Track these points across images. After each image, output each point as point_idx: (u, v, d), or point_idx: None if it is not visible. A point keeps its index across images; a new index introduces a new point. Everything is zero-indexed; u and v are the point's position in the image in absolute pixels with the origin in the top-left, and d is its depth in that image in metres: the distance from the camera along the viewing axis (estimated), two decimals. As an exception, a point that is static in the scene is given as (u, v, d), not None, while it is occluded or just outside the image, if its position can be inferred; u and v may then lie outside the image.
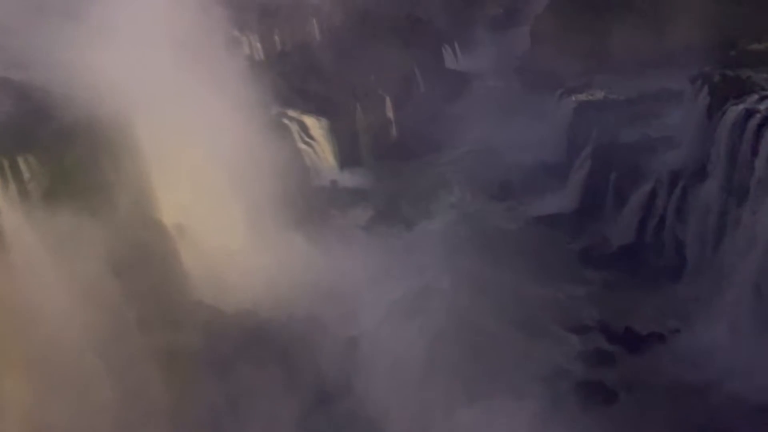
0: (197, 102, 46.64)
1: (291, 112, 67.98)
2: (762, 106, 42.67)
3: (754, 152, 41.11)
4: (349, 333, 42.98)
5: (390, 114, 78.27)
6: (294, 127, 65.57)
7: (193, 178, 46.05)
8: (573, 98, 71.43)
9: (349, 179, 68.52)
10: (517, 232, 57.49)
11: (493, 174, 68.42)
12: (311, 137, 67.54)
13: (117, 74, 40.57)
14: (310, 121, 68.61)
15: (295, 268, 47.63)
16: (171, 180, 44.57)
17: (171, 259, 42.31)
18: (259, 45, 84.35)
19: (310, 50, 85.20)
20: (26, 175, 33.96)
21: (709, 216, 45.48)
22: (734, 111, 43.77)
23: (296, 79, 75.36)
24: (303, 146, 65.68)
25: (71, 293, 33.56)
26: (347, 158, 71.53)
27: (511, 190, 64.59)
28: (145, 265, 39.85)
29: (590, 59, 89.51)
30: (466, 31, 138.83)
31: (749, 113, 42.48)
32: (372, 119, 75.04)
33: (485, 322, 45.53)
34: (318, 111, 70.32)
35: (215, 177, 48.32)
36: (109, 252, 36.04)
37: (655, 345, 41.62)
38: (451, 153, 76.41)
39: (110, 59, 40.64)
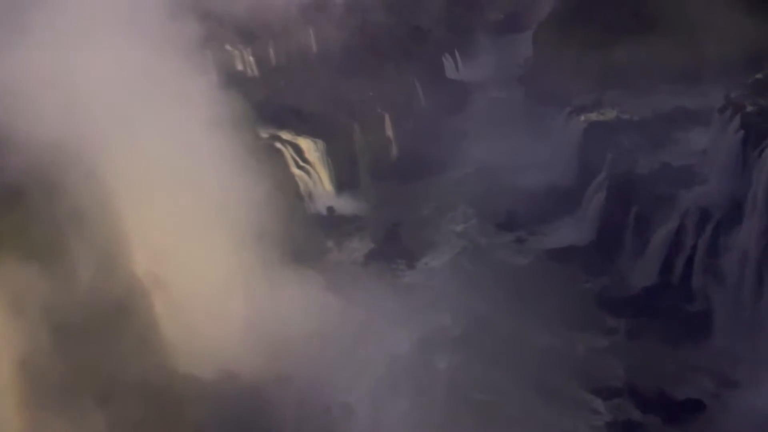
0: (170, 129, 40.39)
1: (285, 134, 61.60)
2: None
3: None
4: (343, 399, 36.94)
5: (390, 132, 71.94)
6: (288, 152, 59.23)
7: (169, 217, 39.99)
8: (582, 117, 65.06)
9: (346, 205, 62.20)
10: (529, 269, 51.17)
11: (500, 199, 62.02)
12: (306, 161, 61.22)
13: (74, 104, 34.55)
14: (305, 143, 62.27)
15: (284, 319, 41.59)
16: (144, 222, 38.50)
17: (143, 319, 36.23)
18: (252, 59, 77.98)
19: (306, 64, 78.80)
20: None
21: (747, 261, 39.45)
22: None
23: (291, 96, 68.95)
24: (297, 171, 59.34)
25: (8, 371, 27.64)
26: (344, 181, 65.17)
27: (520, 219, 58.12)
28: (113, 329, 33.79)
29: (598, 72, 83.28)
30: (466, 38, 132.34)
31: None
32: (371, 139, 68.67)
33: (495, 382, 39.49)
34: (314, 132, 63.91)
35: (195, 214, 42.09)
36: (63, 317, 30.14)
37: (694, 415, 35.51)
38: (454, 174, 70.01)
39: (65, 85, 34.67)
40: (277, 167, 55.61)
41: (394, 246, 54.10)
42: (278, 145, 58.78)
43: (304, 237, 53.38)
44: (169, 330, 37.52)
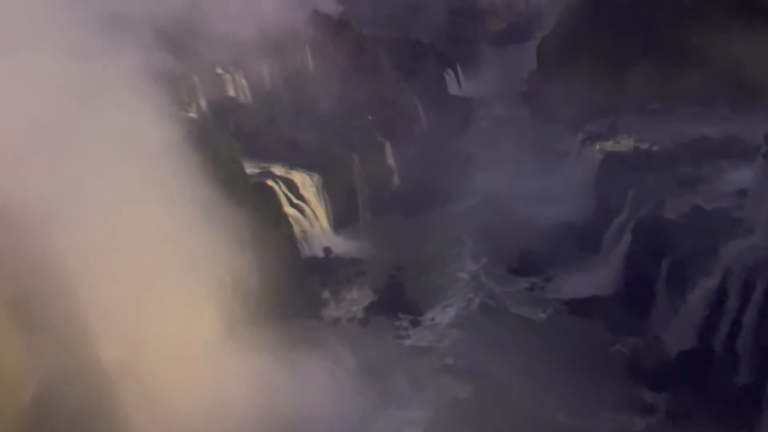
0: (127, 187, 33.78)
1: (277, 169, 54.62)
2: None
3: None
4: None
5: (391, 161, 65.00)
6: (280, 189, 52.40)
7: (135, 289, 33.29)
8: (598, 147, 58.07)
9: (344, 245, 55.28)
10: (547, 325, 44.15)
11: (511, 238, 55.02)
12: (301, 198, 54.33)
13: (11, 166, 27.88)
14: (299, 177, 55.33)
15: (272, 400, 34.91)
16: (106, 299, 31.85)
17: (113, 422, 29.60)
18: (245, 83, 71.07)
19: (302, 87, 71.82)
20: None
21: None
22: None
23: (286, 124, 62.03)
24: (291, 211, 52.44)
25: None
26: (342, 218, 58.21)
27: (534, 262, 51.02)
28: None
29: (608, 93, 76.25)
30: (468, 50, 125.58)
31: None
32: (371, 170, 61.68)
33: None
34: (309, 165, 56.94)
35: (165, 282, 35.42)
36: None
37: None
38: (460, 206, 62.92)
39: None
40: (268, 209, 48.85)
41: (397, 297, 47.09)
42: (270, 182, 51.78)
43: (297, 288, 46.68)
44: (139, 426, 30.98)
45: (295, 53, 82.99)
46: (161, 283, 34.55)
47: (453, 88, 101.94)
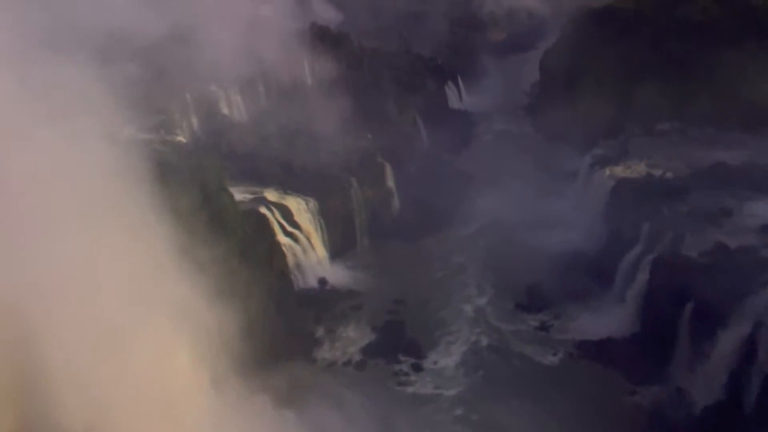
0: (97, 220, 29.96)
1: (271, 194, 50.73)
2: None
3: None
4: None
5: (391, 183, 61.06)
6: (274, 216, 48.53)
7: (103, 345, 29.45)
8: (608, 172, 54.21)
9: (340, 275, 51.29)
10: (559, 371, 40.06)
11: (517, 267, 51.18)
12: (295, 225, 50.42)
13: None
14: (294, 203, 51.42)
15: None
16: (71, 359, 28.02)
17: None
18: (239, 100, 67.19)
19: (299, 104, 67.92)
20: None
21: None
22: None
23: (282, 145, 57.99)
24: (285, 239, 48.57)
25: None
26: (339, 244, 54.13)
27: (542, 296, 47.12)
28: None
29: (615, 111, 72.55)
30: (469, 61, 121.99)
31: None
32: (370, 193, 57.74)
33: None
34: (305, 189, 53.16)
35: (139, 332, 31.55)
36: None
37: None
38: (462, 230, 58.90)
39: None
40: (260, 240, 44.96)
41: (397, 337, 43.10)
42: (262, 210, 47.85)
43: (289, 327, 42.76)
44: None
45: (293, 67, 79.28)
46: (132, 334, 30.71)
47: (454, 102, 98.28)
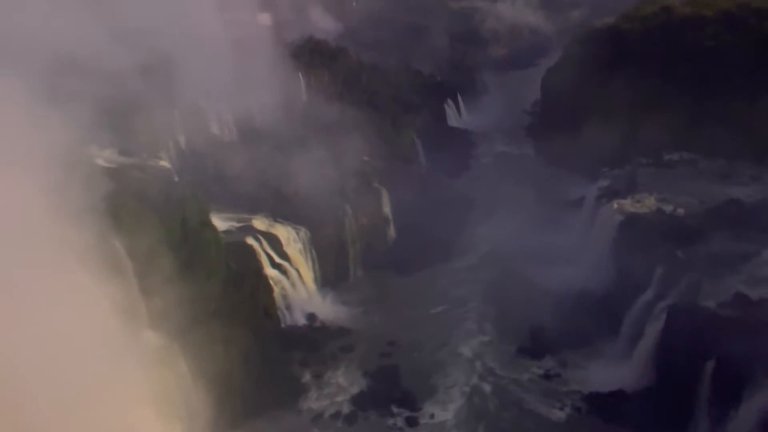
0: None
1: (259, 223, 47.28)
2: None
3: None
4: None
5: (387, 210, 57.60)
6: (261, 248, 45.04)
7: (73, 408, 26.02)
8: (615, 205, 50.72)
9: (331, 310, 47.67)
10: (567, 428, 36.92)
11: (519, 305, 47.78)
12: (284, 256, 46.87)
13: None
14: (284, 232, 47.88)
15: None
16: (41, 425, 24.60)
17: None
18: (230, 118, 63.63)
19: (293, 122, 64.52)
20: None
21: None
22: None
23: (272, 168, 54.44)
24: (272, 272, 45.00)
25: None
26: (331, 276, 50.48)
27: (547, 340, 43.49)
28: None
29: (620, 138, 68.99)
30: (469, 77, 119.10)
31: None
32: (365, 221, 54.28)
33: None
34: (296, 217, 49.66)
35: (103, 385, 28.06)
36: None
37: None
38: (462, 261, 55.46)
39: None
40: (245, 274, 41.41)
41: (390, 385, 39.45)
42: (249, 241, 44.41)
43: (273, 372, 39.11)
44: None
45: (288, 83, 75.95)
46: (96, 388, 27.20)
47: (453, 120, 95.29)
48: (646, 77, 70.90)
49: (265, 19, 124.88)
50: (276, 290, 44.64)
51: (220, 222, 46.18)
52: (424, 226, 59.29)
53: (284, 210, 49.89)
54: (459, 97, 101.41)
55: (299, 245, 48.59)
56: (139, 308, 31.96)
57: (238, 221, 47.18)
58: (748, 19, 68.79)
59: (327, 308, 47.70)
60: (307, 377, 40.47)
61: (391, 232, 57.37)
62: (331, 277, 50.53)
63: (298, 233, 48.70)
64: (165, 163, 44.98)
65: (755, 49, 63.22)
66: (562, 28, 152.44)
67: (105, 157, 42.25)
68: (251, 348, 38.08)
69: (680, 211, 48.35)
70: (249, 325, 38.92)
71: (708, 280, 38.85)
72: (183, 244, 34.87)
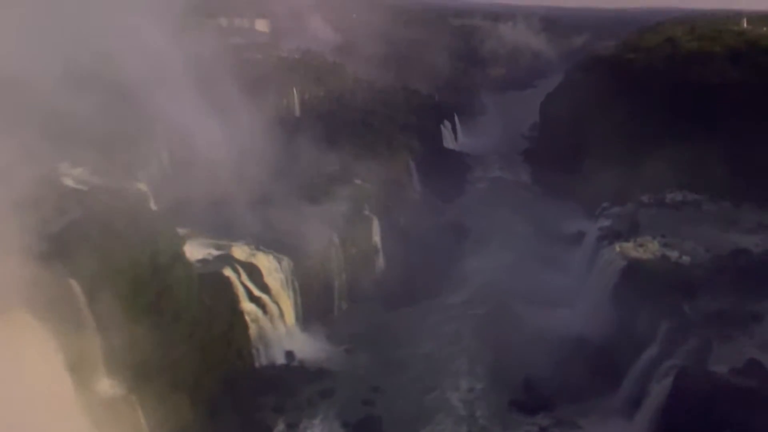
0: None
1: (240, 251, 43.62)
2: None
3: None
4: None
5: (376, 239, 54.10)
6: (239, 279, 41.37)
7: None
8: (618, 248, 47.33)
9: (311, 348, 43.79)
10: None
11: (512, 350, 44.31)
12: (264, 287, 43.10)
13: None
14: (265, 262, 44.22)
15: None
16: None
17: None
18: (219, 134, 59.63)
19: (284, 141, 60.83)
20: None
21: None
22: None
23: (258, 189, 51.06)
24: (249, 307, 41.29)
25: None
26: (314, 308, 46.64)
27: (542, 393, 39.92)
28: None
29: (622, 170, 65.74)
30: (467, 98, 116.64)
31: None
32: (353, 251, 50.69)
33: None
34: (280, 245, 46.20)
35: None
36: None
37: None
38: (453, 297, 51.91)
39: None
40: (219, 310, 37.85)
41: (371, 440, 36.35)
42: (227, 272, 40.73)
43: (242, 421, 35.46)
44: None
45: (281, 97, 72.80)
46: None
47: (449, 141, 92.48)
48: (649, 111, 68.09)
49: (263, 25, 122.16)
50: (252, 327, 40.95)
51: (198, 249, 42.67)
52: (415, 256, 56.07)
53: (268, 237, 46.26)
54: (456, 119, 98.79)
55: (281, 276, 44.99)
56: (94, 355, 28.39)
57: (218, 248, 43.53)
58: (756, 57, 66.37)
59: (307, 346, 44.06)
60: (280, 426, 36.71)
61: (380, 262, 53.94)
62: (314, 311, 46.86)
63: (280, 263, 45.12)
64: (142, 186, 41.29)
65: (763, 88, 60.56)
66: (563, 51, 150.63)
67: (75, 176, 38.81)
68: (220, 395, 34.50)
69: (686, 258, 45.29)
70: (219, 368, 35.34)
71: (718, 342, 35.73)
72: (150, 282, 31.23)
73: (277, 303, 43.78)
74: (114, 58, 47.59)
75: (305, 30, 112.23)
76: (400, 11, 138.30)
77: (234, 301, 40.03)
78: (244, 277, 41.99)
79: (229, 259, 42.28)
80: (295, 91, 76.22)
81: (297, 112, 74.80)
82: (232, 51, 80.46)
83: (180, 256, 34.53)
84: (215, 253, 42.90)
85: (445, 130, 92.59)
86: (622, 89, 73.74)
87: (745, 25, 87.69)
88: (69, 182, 37.15)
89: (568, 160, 76.49)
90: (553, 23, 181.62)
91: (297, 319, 45.44)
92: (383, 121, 74.27)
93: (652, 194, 58.01)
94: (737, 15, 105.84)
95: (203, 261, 41.19)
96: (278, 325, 43.22)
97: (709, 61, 68.11)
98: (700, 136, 61.35)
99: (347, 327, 47.44)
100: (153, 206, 39.59)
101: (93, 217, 31.06)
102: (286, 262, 45.53)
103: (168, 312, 31.96)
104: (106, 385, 28.59)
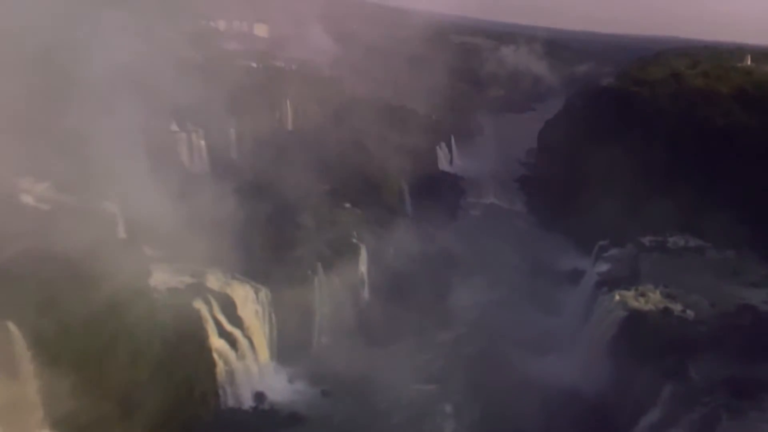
0: None
1: (214, 280, 39.79)
2: None
3: None
4: None
5: (363, 268, 50.48)
6: (211, 312, 37.63)
7: None
8: (617, 297, 44.04)
9: (284, 390, 39.77)
10: None
11: (503, 401, 40.92)
12: (237, 320, 39.22)
13: None
14: (241, 292, 40.35)
15: None
16: None
17: None
18: (203, 145, 56.48)
19: (273, 159, 57.27)
20: None
21: None
22: None
23: (242, 210, 47.18)
24: (219, 343, 37.44)
25: None
26: (291, 342, 42.56)
27: (531, 454, 37.35)
28: None
29: (622, 207, 62.80)
30: (464, 118, 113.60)
31: None
32: (337, 282, 47.17)
33: None
34: (259, 273, 42.51)
35: None
36: None
37: None
38: (441, 335, 48.40)
39: None
40: (184, 347, 34.17)
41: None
42: (197, 304, 37.02)
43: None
44: None
45: (274, 110, 69.28)
46: None
47: (444, 164, 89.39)
48: (652, 148, 65.10)
49: (262, 30, 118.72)
50: (220, 366, 37.15)
51: (170, 276, 38.80)
52: (402, 287, 52.55)
53: (247, 264, 42.54)
54: (452, 141, 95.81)
55: (257, 307, 41.28)
56: (34, 407, 24.70)
57: (191, 275, 39.66)
58: (763, 98, 63.88)
59: (281, 386, 40.30)
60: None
61: (365, 294, 50.41)
62: (291, 346, 43.03)
63: (257, 293, 41.43)
64: (111, 206, 37.39)
65: (768, 131, 57.91)
66: (564, 76, 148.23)
67: (37, 193, 35.09)
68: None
69: (689, 313, 42.09)
70: (179, 416, 31.60)
71: (727, 415, 32.55)
72: (106, 322, 27.54)
73: (250, 338, 40.00)
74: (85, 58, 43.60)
75: (305, 39, 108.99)
76: (401, 25, 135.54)
77: (202, 337, 36.27)
78: (216, 309, 38.24)
79: (201, 289, 38.50)
80: (288, 104, 72.71)
81: (289, 125, 71.30)
82: (226, 57, 77.34)
83: (143, 292, 30.86)
84: (188, 281, 39.06)
85: (441, 151, 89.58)
86: (624, 123, 70.87)
87: (749, 62, 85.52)
88: (29, 200, 33.45)
89: (565, 191, 73.55)
90: (555, 47, 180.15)
91: (272, 355, 41.75)
92: (378, 141, 70.86)
93: (652, 236, 54.81)
94: (739, 49, 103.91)
95: (173, 290, 37.34)
96: (250, 363, 39.43)
97: (716, 100, 65.50)
98: (703, 179, 58.56)
99: (326, 365, 43.59)
100: (121, 230, 35.71)
101: (47, 248, 27.32)
102: (263, 292, 41.85)
103: (124, 354, 28.25)
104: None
